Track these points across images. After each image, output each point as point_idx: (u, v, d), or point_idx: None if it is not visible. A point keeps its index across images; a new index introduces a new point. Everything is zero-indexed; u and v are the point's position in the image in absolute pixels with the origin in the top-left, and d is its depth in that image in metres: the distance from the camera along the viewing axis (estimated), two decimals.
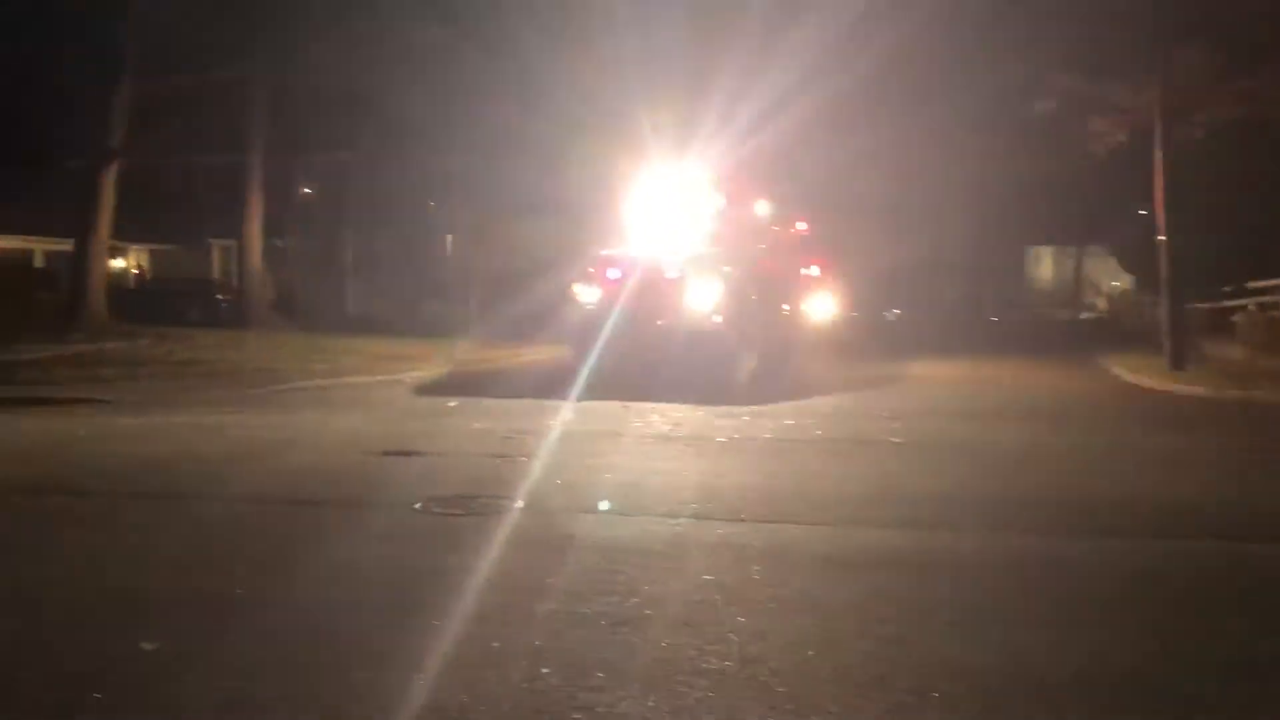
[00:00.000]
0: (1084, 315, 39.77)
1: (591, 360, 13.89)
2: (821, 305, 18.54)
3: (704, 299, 14.26)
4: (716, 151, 17.43)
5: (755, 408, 11.94)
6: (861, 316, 28.95)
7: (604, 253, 15.42)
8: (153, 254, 37.95)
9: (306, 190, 35.30)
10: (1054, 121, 24.40)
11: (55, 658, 4.15)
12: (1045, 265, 45.74)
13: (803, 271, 17.89)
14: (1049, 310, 40.52)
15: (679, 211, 15.81)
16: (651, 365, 13.68)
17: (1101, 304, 41.25)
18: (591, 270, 14.92)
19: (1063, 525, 6.38)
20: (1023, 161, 29.57)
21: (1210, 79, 18.89)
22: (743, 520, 6.40)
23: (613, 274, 14.68)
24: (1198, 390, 15.00)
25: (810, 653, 4.12)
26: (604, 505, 6.89)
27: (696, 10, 23.69)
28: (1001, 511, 6.81)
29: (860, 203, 30.44)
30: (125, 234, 28.78)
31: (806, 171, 24.35)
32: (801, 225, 18.70)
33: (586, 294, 14.71)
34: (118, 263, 32.92)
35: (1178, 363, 17.26)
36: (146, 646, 4.20)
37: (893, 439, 10.09)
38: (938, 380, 16.64)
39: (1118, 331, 29.18)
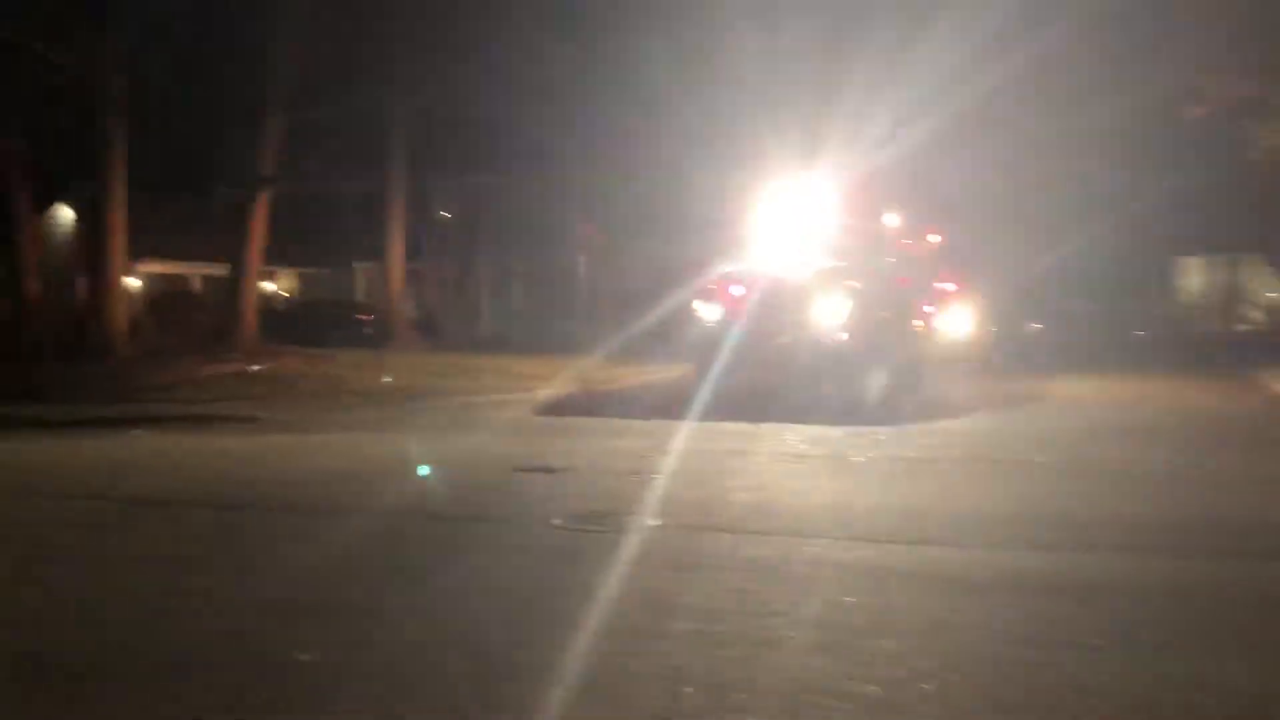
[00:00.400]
0: (1239, 328, 37.82)
1: (714, 379, 13.72)
2: (956, 320, 17.98)
3: (831, 315, 13.96)
4: (845, 162, 17.01)
5: (887, 428, 11.62)
6: (1000, 331, 27.84)
7: (726, 269, 15.18)
8: (300, 277, 39.57)
9: (444, 214, 36.28)
10: (1207, 126, 23.34)
11: (215, 666, 4.32)
12: (1194, 277, 43.70)
13: (935, 285, 17.38)
14: (1199, 324, 38.65)
15: (804, 225, 15.48)
16: (777, 384, 13.49)
17: (1258, 316, 39.14)
18: (713, 287, 14.74)
19: (1216, 549, 6.06)
20: (1173, 168, 28.33)
21: None
22: (882, 542, 6.28)
23: (735, 290, 14.48)
24: None
25: (955, 677, 4.01)
26: (735, 523, 6.85)
27: (824, 18, 23.40)
28: (1151, 535, 6.51)
29: (998, 213, 29.58)
30: (275, 258, 30.08)
31: (941, 182, 23.73)
32: (934, 237, 18.13)
33: (708, 311, 14.53)
34: (268, 286, 34.42)
35: None
36: (302, 657, 4.35)
37: (1036, 458, 9.77)
38: (1082, 398, 15.89)
39: (1277, 345, 27.64)
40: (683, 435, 11.19)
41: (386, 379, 18.25)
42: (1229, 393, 16.79)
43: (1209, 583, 5.41)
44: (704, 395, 13.27)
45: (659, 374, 18.69)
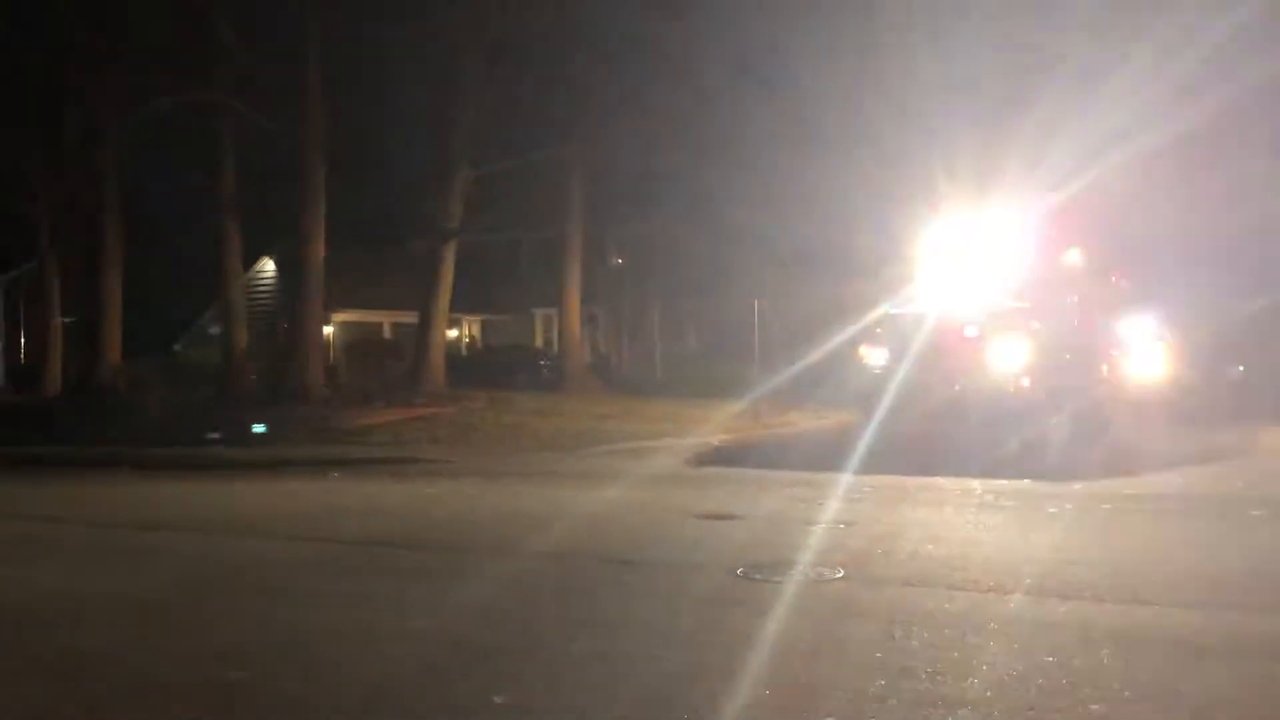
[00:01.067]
0: None
1: (879, 427, 12.98)
2: (1149, 364, 16.78)
3: (1009, 359, 13.11)
4: (1027, 197, 16.00)
5: (1079, 483, 10.71)
6: (1199, 376, 25.71)
7: (894, 310, 14.48)
8: (483, 323, 40.89)
9: (618, 260, 36.90)
10: None
11: (411, 703, 4.45)
12: None
13: (1123, 327, 16.38)
14: None
15: (979, 263, 14.61)
16: (950, 433, 12.58)
17: None
18: (880, 330, 14.15)
19: None
20: None
21: None
22: (1085, 598, 5.96)
23: (904, 333, 13.80)
24: None
25: None
26: (923, 576, 6.63)
27: (1008, 48, 22.63)
28: None
29: (1201, 250, 27.84)
30: (460, 305, 31.20)
31: (1138, 219, 22.45)
32: (1121, 278, 17.02)
33: (875, 356, 13.92)
34: (452, 332, 35.71)
35: None
36: (498, 700, 4.44)
37: (1252, 511, 9.12)
38: None
39: None
40: (850, 487, 10.81)
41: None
42: None
43: None
44: (870, 444, 12.64)
45: (823, 421, 18.26)
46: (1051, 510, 9.18)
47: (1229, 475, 11.63)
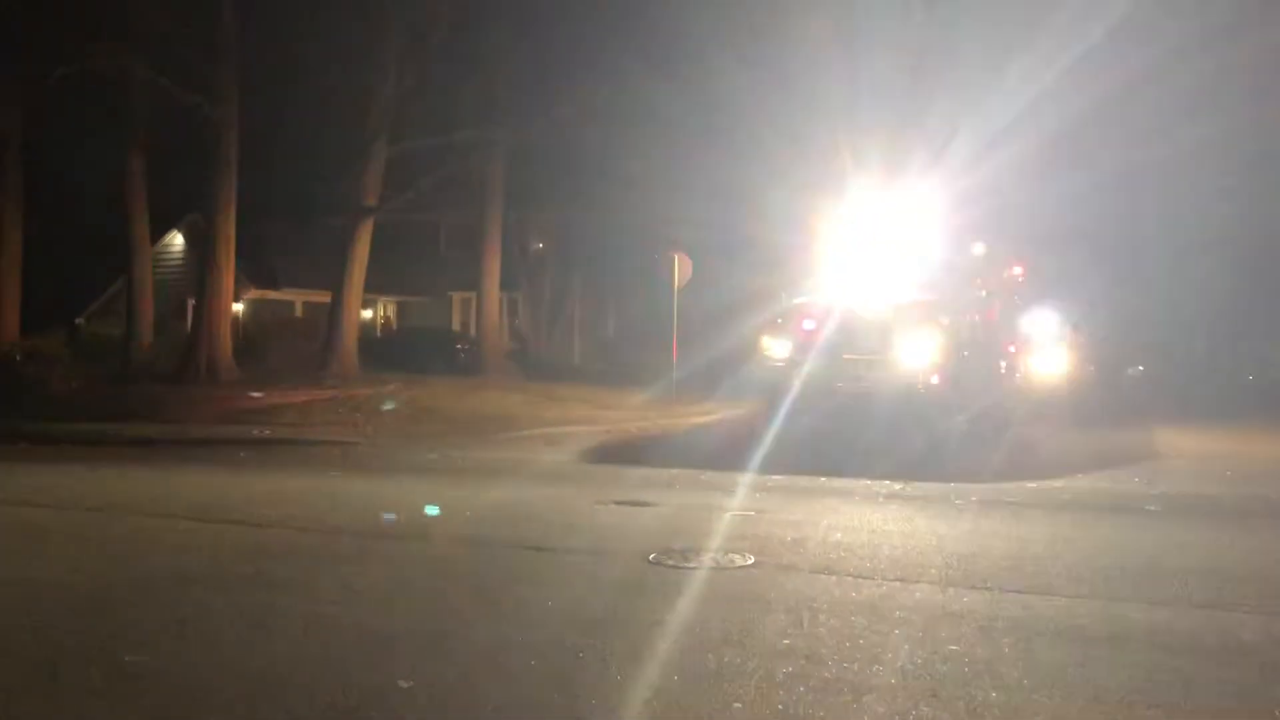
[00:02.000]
0: None
1: (784, 422, 12.42)
2: (1050, 361, 16.81)
3: (918, 354, 12.41)
4: (930, 187, 15.52)
5: (976, 484, 10.38)
6: (1098, 373, 26.11)
7: (797, 300, 13.60)
8: (399, 305, 40.32)
9: (538, 245, 36.71)
10: None
11: (313, 692, 4.36)
12: None
13: (1024, 323, 15.97)
14: None
15: (885, 254, 13.79)
16: (854, 431, 11.91)
17: None
18: (782, 321, 13.29)
19: None
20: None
21: None
22: (988, 589, 6.09)
23: (808, 325, 12.91)
24: None
25: None
26: (833, 565, 6.71)
27: (910, 45, 22.89)
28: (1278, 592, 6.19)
29: (1095, 245, 28.48)
30: (374, 286, 30.72)
31: (1030, 209, 22.68)
32: (1018, 270, 16.52)
33: (777, 348, 13.05)
34: (367, 313, 35.15)
35: None
36: (403, 684, 4.37)
37: (1148, 507, 9.42)
38: (1197, 455, 14.02)
39: None
40: (758, 479, 10.70)
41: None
42: None
43: None
44: (776, 439, 12.20)
45: (731, 411, 17.76)
46: (957, 504, 9.33)
47: (1126, 473, 11.80)
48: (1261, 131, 23.16)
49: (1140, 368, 35.42)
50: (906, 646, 4.95)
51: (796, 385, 12.45)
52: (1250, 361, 37.39)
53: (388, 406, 18.59)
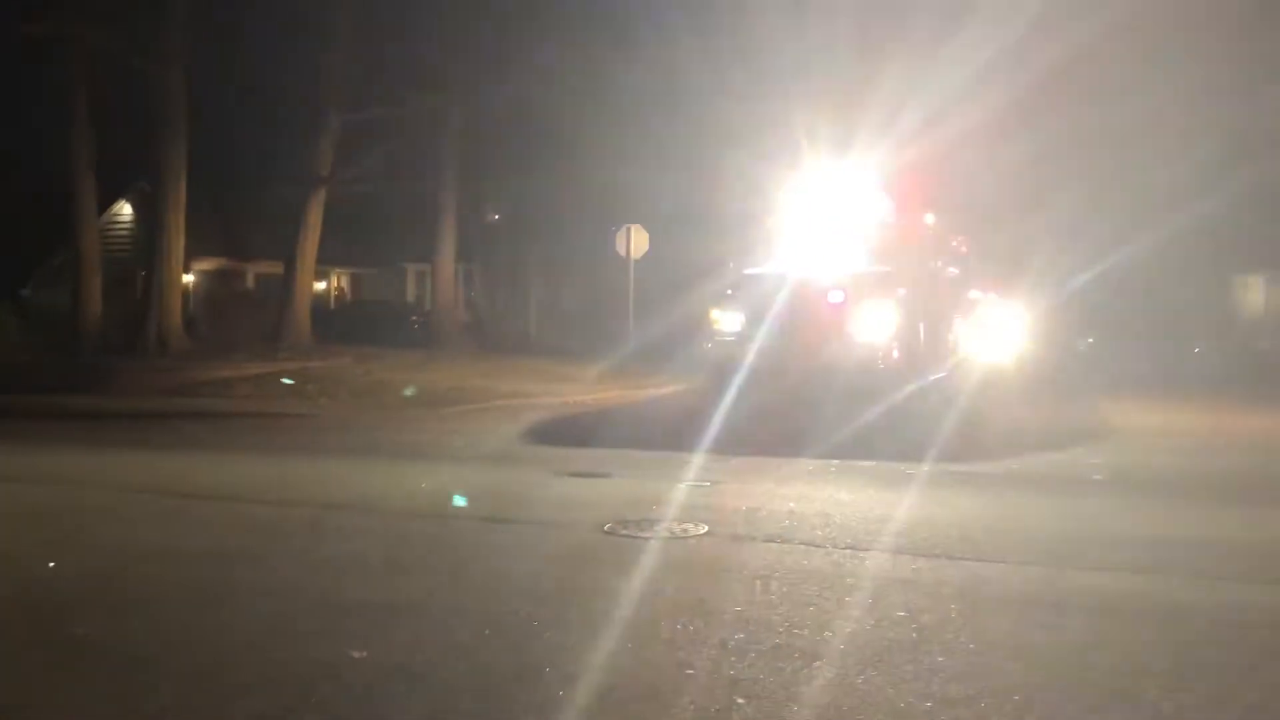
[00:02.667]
0: None
1: (735, 399, 11.86)
2: (999, 336, 16.53)
3: (876, 328, 12.01)
4: (883, 152, 14.92)
5: (928, 462, 10.08)
6: (1047, 347, 25.92)
7: (749, 271, 13.03)
8: (353, 277, 39.97)
9: (495, 216, 36.49)
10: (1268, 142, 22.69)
11: (265, 664, 4.35)
12: (1256, 292, 42.74)
13: (972, 294, 15.50)
14: (1260, 341, 37.76)
15: (838, 221, 13.23)
16: (808, 410, 11.44)
17: None
18: (733, 293, 12.85)
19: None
20: (1237, 174, 27.45)
21: None
22: (936, 556, 6.20)
23: (762, 297, 12.35)
24: None
25: (1016, 698, 3.93)
26: (784, 533, 6.79)
27: (860, 10, 22.79)
28: (1219, 557, 6.35)
29: (1046, 217, 28.57)
30: (328, 257, 30.43)
31: (980, 178, 22.62)
32: (958, 241, 15.86)
33: (728, 320, 12.63)
34: (320, 284, 34.81)
35: None
36: (356, 655, 4.37)
37: (1094, 477, 9.60)
38: (1142, 429, 13.86)
39: None
40: (710, 456, 10.41)
41: (408, 392, 17.86)
42: None
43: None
44: (726, 417, 11.69)
45: (682, 386, 17.18)
46: (909, 477, 9.38)
47: (1074, 447, 11.83)
48: (1216, 95, 23.22)
49: (1090, 340, 35.93)
50: (856, 613, 5.03)
51: (750, 359, 12.02)
52: (1198, 334, 38.02)
53: (409, 393, 17.74)
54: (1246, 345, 36.70)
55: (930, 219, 14.39)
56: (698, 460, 10.20)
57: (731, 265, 13.56)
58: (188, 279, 28.87)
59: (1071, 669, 4.26)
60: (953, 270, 14.85)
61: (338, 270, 38.51)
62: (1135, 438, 13.18)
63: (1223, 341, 36.67)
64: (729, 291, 12.95)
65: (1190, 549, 6.45)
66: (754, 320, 12.31)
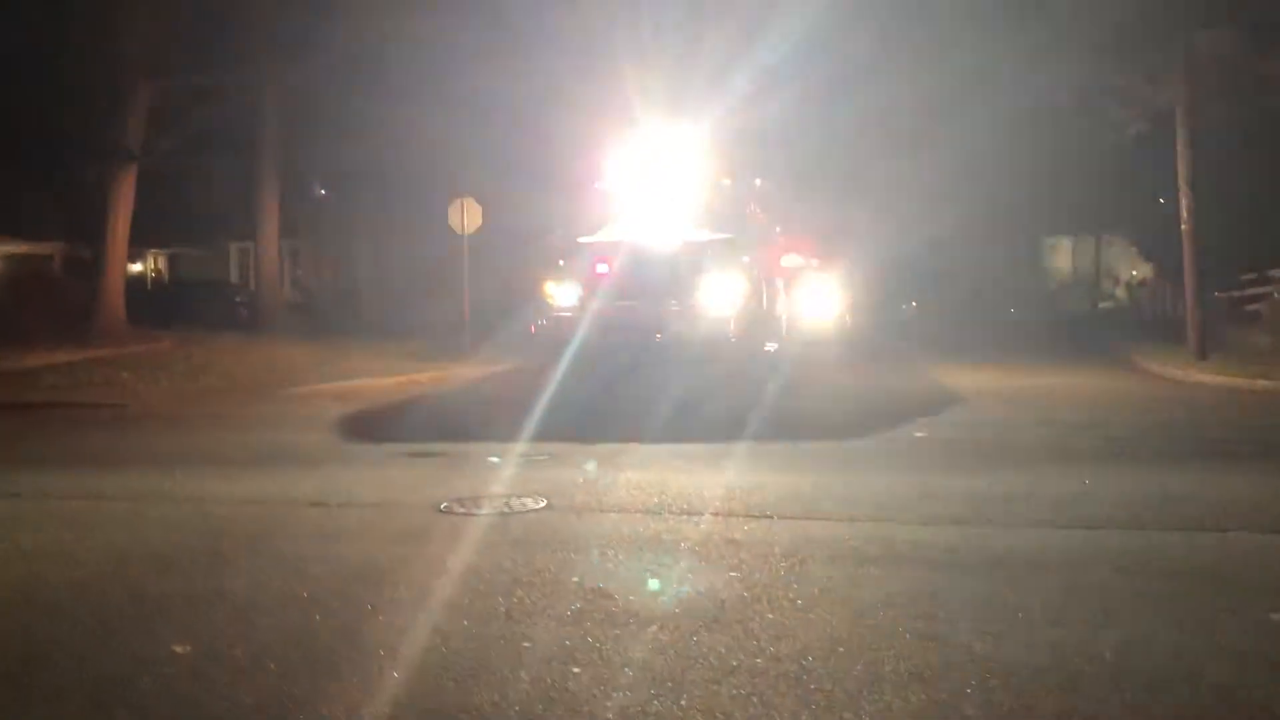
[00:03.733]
0: (1102, 305, 39.45)
1: (571, 378, 11.41)
2: (819, 302, 16.67)
3: (722, 301, 11.41)
4: (717, 117, 14.65)
5: (758, 440, 9.61)
6: (870, 314, 26.42)
7: (583, 239, 12.21)
8: (171, 257, 38.12)
9: (321, 191, 35.34)
10: (1074, 108, 24.00)
11: (82, 662, 4.13)
12: (1063, 255, 45.34)
13: (795, 262, 15.39)
14: (1067, 301, 40.15)
15: (673, 184, 12.63)
16: (645, 388, 11.11)
17: (1119, 294, 40.92)
18: (565, 264, 12.06)
19: (1097, 520, 6.30)
20: (1041, 146, 28.94)
21: (1233, 65, 18.65)
22: (767, 517, 6.36)
23: (600, 268, 11.72)
24: (1224, 380, 14.88)
25: (841, 650, 4.08)
26: (623, 504, 6.85)
27: None
28: (1033, 507, 6.73)
29: (863, 181, 29.26)
30: (144, 238, 28.90)
31: (802, 144, 22.83)
32: (760, 210, 14.93)
33: (563, 294, 11.89)
34: (136, 266, 33.07)
35: (1203, 353, 17.14)
36: (179, 649, 4.19)
37: (916, 434, 10.01)
38: (964, 389, 14.29)
39: (1137, 322, 28.97)
40: (541, 434, 9.92)
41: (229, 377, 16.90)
42: (1105, 375, 16.68)
43: (1087, 553, 5.61)
44: (558, 396, 11.29)
45: (514, 365, 16.83)
46: (743, 448, 9.45)
47: (898, 411, 12.02)
48: (1022, 61, 24.11)
49: (913, 303, 37.43)
50: (690, 576, 5.13)
51: (587, 335, 11.43)
52: (1012, 297, 40.01)
53: (230, 378, 16.27)
54: (1054, 306, 38.94)
55: (758, 182, 14.26)
56: (532, 438, 9.97)
57: (560, 233, 12.76)
58: None
59: (893, 619, 4.44)
60: (770, 238, 14.33)
61: (155, 250, 36.66)
62: (953, 395, 13.87)
63: (1034, 303, 38.74)
64: (560, 262, 12.20)
65: (1005, 502, 6.82)
66: (591, 293, 11.64)
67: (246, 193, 29.91)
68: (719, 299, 11.52)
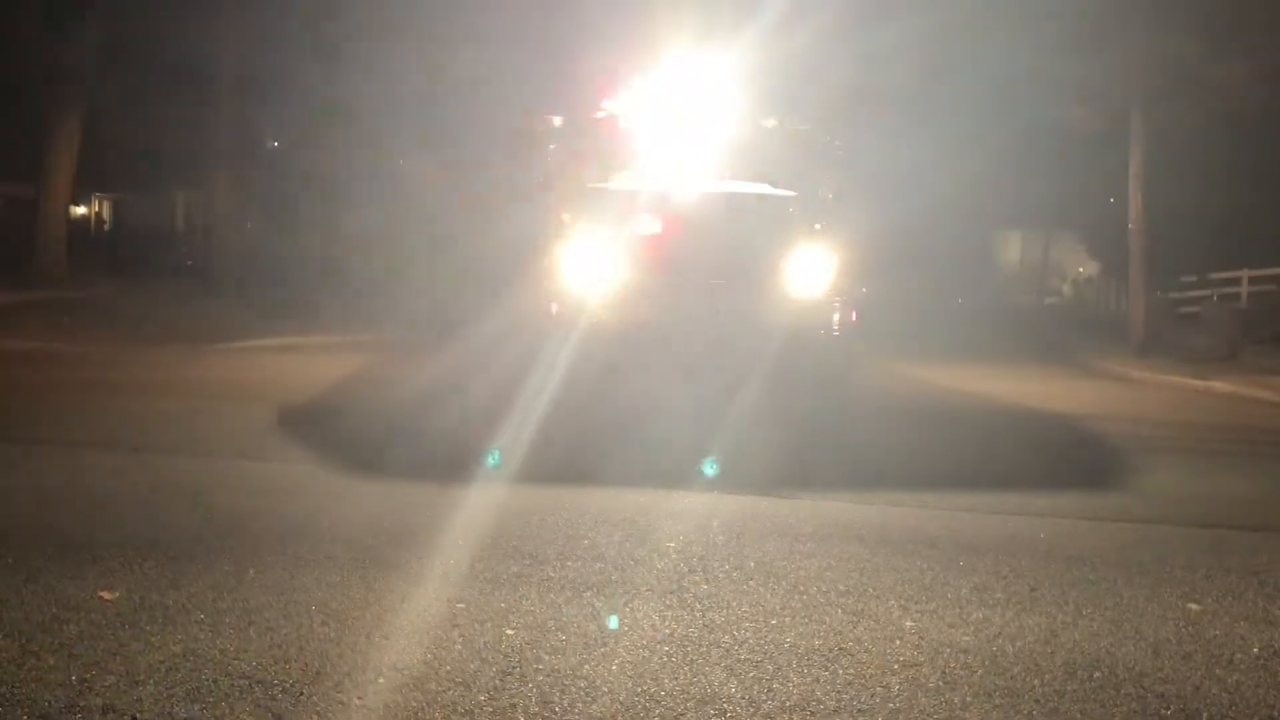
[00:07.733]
0: (1048, 300, 40.03)
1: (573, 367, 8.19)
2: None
3: (814, 282, 8.35)
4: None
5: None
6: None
7: (600, 184, 9.02)
8: (116, 203, 37.26)
9: (274, 143, 34.66)
10: (1028, 104, 24.16)
11: (13, 605, 4.07)
12: (1014, 248, 45.92)
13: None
14: (1015, 296, 40.70)
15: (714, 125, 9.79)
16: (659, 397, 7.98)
17: (1066, 290, 41.57)
18: (571, 217, 8.84)
19: (1022, 506, 6.42)
20: (998, 138, 29.11)
21: (1186, 68, 18.90)
22: (711, 490, 6.41)
23: (640, 228, 8.44)
24: (1162, 379, 15.23)
25: (773, 622, 4.13)
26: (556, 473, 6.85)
27: None
28: (964, 489, 6.85)
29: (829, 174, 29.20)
30: (90, 180, 28.22)
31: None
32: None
33: (582, 267, 8.23)
34: (81, 210, 32.31)
35: (1143, 352, 17.50)
36: (106, 595, 4.14)
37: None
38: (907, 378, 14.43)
39: (1081, 319, 29.44)
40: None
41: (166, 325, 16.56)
42: (1051, 373, 16.56)
43: (1012, 536, 5.72)
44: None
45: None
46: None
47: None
48: (987, 77, 24.30)
49: (863, 290, 37.55)
50: (627, 546, 5.15)
51: (639, 337, 8.11)
52: (962, 289, 40.40)
53: (168, 326, 15.46)
54: (1002, 299, 39.42)
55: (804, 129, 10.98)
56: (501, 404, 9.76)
57: (572, 180, 9.49)
58: None
59: (822, 593, 4.50)
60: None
61: (101, 195, 35.81)
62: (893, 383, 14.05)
63: (982, 295, 39.16)
64: (565, 217, 9.06)
65: (942, 485, 6.94)
66: (636, 265, 8.29)
67: (196, 140, 29.24)
68: (813, 282, 8.43)
